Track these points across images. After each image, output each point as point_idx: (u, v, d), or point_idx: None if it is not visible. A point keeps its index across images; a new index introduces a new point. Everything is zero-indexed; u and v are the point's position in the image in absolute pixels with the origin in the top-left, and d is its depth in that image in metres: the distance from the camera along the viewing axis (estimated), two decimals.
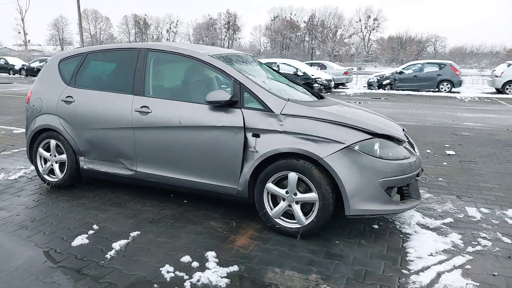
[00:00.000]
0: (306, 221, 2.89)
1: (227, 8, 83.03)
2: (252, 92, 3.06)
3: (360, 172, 2.77)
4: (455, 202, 3.72)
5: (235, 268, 2.50)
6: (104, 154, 3.61)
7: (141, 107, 3.35)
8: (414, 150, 3.27)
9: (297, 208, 2.92)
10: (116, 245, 2.73)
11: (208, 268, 2.48)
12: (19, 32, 52.16)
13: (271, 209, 3.00)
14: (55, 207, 3.44)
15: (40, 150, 3.90)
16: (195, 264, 2.53)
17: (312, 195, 2.83)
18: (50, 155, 3.85)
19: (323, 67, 20.42)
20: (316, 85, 17.37)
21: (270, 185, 2.96)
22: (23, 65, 28.18)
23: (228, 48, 71.41)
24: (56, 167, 3.85)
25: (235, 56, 3.66)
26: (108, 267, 2.48)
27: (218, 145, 3.10)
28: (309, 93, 3.98)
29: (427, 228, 3.16)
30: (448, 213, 3.45)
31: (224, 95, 3.01)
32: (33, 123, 3.90)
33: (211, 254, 2.63)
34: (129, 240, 2.83)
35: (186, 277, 2.39)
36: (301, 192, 2.88)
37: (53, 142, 3.81)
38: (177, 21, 76.26)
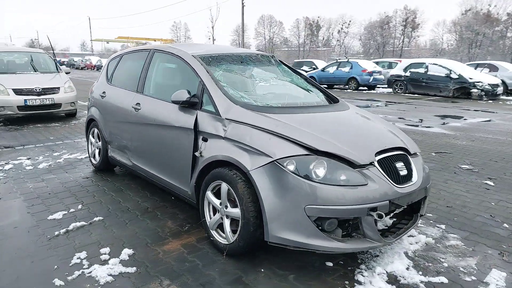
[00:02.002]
0: (232, 239, 2.60)
1: (405, 4, 76.88)
2: (210, 94, 2.92)
3: (284, 194, 2.32)
4: (485, 260, 2.67)
5: (132, 270, 2.48)
6: (118, 144, 4.04)
7: (136, 104, 3.62)
8: (404, 179, 2.52)
9: (226, 223, 2.67)
10: (71, 226, 3.07)
11: (108, 263, 2.54)
12: (209, 38, 60.83)
13: (210, 219, 2.82)
14: (76, 185, 4.07)
15: (90, 136, 4.65)
16: (104, 257, 2.62)
17: (237, 211, 2.53)
18: (95, 141, 4.55)
19: (493, 68, 16.94)
20: (475, 90, 14.63)
21: (208, 194, 2.78)
22: None
23: (402, 47, 66.42)
24: (96, 152, 4.52)
25: (235, 56, 3.52)
26: (46, 243, 2.81)
27: (176, 145, 3.09)
28: (322, 96, 3.52)
29: (396, 281, 2.40)
30: (452, 271, 2.52)
31: (183, 95, 2.96)
32: (88, 113, 4.68)
33: (126, 252, 2.67)
34: (86, 223, 3.13)
35: (85, 266, 2.51)
36: (232, 206, 2.62)
37: (96, 130, 4.49)
38: (350, 21, 75.18)
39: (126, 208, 3.46)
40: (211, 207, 2.82)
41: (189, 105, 3.00)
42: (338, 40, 75.90)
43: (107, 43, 68.00)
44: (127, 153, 3.88)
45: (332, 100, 3.53)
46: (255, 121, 2.62)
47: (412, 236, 3.00)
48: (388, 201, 2.37)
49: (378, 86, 19.25)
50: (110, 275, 2.42)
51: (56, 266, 2.51)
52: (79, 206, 3.47)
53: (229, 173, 2.57)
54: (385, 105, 12.20)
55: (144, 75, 3.72)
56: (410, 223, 2.73)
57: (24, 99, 7.13)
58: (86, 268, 2.49)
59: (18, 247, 2.74)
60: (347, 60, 19.43)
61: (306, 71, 21.97)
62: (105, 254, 2.66)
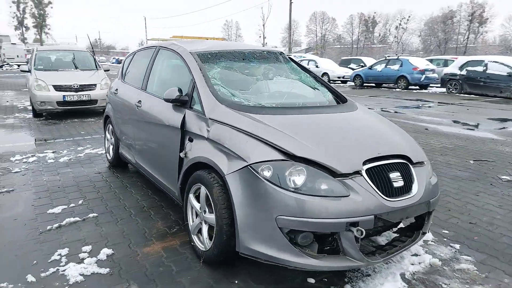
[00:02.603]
0: (208, 246, 2.46)
1: None
2: (198, 92, 2.80)
3: (256, 201, 2.14)
4: None
5: (105, 271, 2.43)
6: (125, 141, 4.06)
7: (138, 101, 3.60)
8: (399, 191, 2.22)
9: (204, 229, 2.54)
10: (65, 221, 3.10)
11: (83, 262, 2.51)
12: (260, 36, 60.96)
13: (192, 222, 2.70)
14: (86, 180, 4.15)
15: (106, 132, 4.74)
16: (83, 255, 2.60)
17: (213, 217, 2.39)
18: (110, 137, 4.63)
19: None
20: None
21: (190, 197, 2.67)
22: None
23: (466, 44, 61.74)
24: (110, 148, 4.59)
25: (237, 53, 3.36)
26: (36, 237, 2.85)
27: (167, 144, 3.02)
28: (329, 96, 3.28)
29: None
30: None
31: (173, 93, 2.87)
32: (105, 109, 4.77)
33: (105, 252, 2.63)
34: (79, 219, 3.15)
35: (62, 263, 2.51)
36: (209, 212, 2.48)
37: (110, 127, 4.56)
38: (409, 17, 71.37)
39: (124, 206, 3.45)
40: (194, 210, 2.71)
41: (181, 104, 2.90)
42: (395, 37, 72.67)
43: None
44: (132, 150, 3.89)
45: (340, 100, 3.26)
46: (236, 121, 2.45)
47: (417, 255, 2.67)
48: (373, 216, 2.09)
49: (431, 85, 18.06)
50: (82, 274, 2.39)
51: (35, 262, 2.53)
52: (80, 201, 3.53)
53: (207, 176, 2.43)
54: (437, 106, 11.35)
55: (148, 72, 3.69)
56: (408, 241, 2.41)
57: (63, 95, 7.53)
58: (62, 266, 2.48)
59: (10, 240, 2.82)
60: (396, 57, 18.40)
61: (353, 69, 21.19)
62: (85, 252, 2.65)
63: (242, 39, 74.93)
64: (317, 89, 3.39)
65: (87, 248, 2.70)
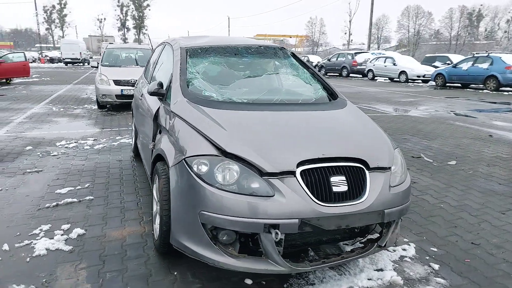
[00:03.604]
0: (158, 236, 2.51)
1: None
2: (172, 86, 2.87)
3: (184, 195, 2.15)
4: None
5: (68, 248, 2.63)
6: (138, 132, 4.31)
7: (141, 94, 3.79)
8: (341, 197, 2.04)
9: (157, 219, 2.59)
10: (63, 201, 3.41)
11: (53, 238, 2.74)
12: (345, 33, 59.28)
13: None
14: (105, 166, 4.49)
15: (133, 124, 5.07)
16: (57, 232, 2.84)
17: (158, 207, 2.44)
18: (133, 128, 4.95)
19: None
20: None
21: (154, 187, 2.75)
22: None
23: None
24: (133, 140, 4.91)
25: (230, 48, 3.34)
26: (33, 213, 3.18)
27: (148, 136, 3.15)
28: (319, 93, 3.12)
29: None
30: None
31: (153, 86, 2.98)
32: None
33: (78, 231, 2.84)
34: (76, 201, 3.44)
35: (38, 238, 2.76)
36: None
37: (134, 119, 4.88)
38: None
39: (121, 192, 3.67)
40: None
41: (161, 97, 2.99)
42: (505, 32, 64.90)
43: None
44: (139, 140, 4.12)
45: (333, 98, 3.07)
46: (187, 115, 2.47)
47: (381, 270, 2.40)
48: (298, 220, 1.93)
49: None
50: (47, 249, 2.61)
51: (18, 233, 2.83)
52: (87, 185, 3.84)
53: (160, 168, 2.49)
54: None
55: (154, 67, 3.88)
56: (355, 253, 2.18)
57: (121, 89, 8.22)
58: (36, 239, 2.74)
59: (11, 212, 3.19)
60: (486, 54, 16.37)
61: (436, 67, 19.39)
62: (61, 230, 2.88)
63: (326, 36, 73.45)
64: (310, 85, 3.22)
65: (66, 226, 2.94)
